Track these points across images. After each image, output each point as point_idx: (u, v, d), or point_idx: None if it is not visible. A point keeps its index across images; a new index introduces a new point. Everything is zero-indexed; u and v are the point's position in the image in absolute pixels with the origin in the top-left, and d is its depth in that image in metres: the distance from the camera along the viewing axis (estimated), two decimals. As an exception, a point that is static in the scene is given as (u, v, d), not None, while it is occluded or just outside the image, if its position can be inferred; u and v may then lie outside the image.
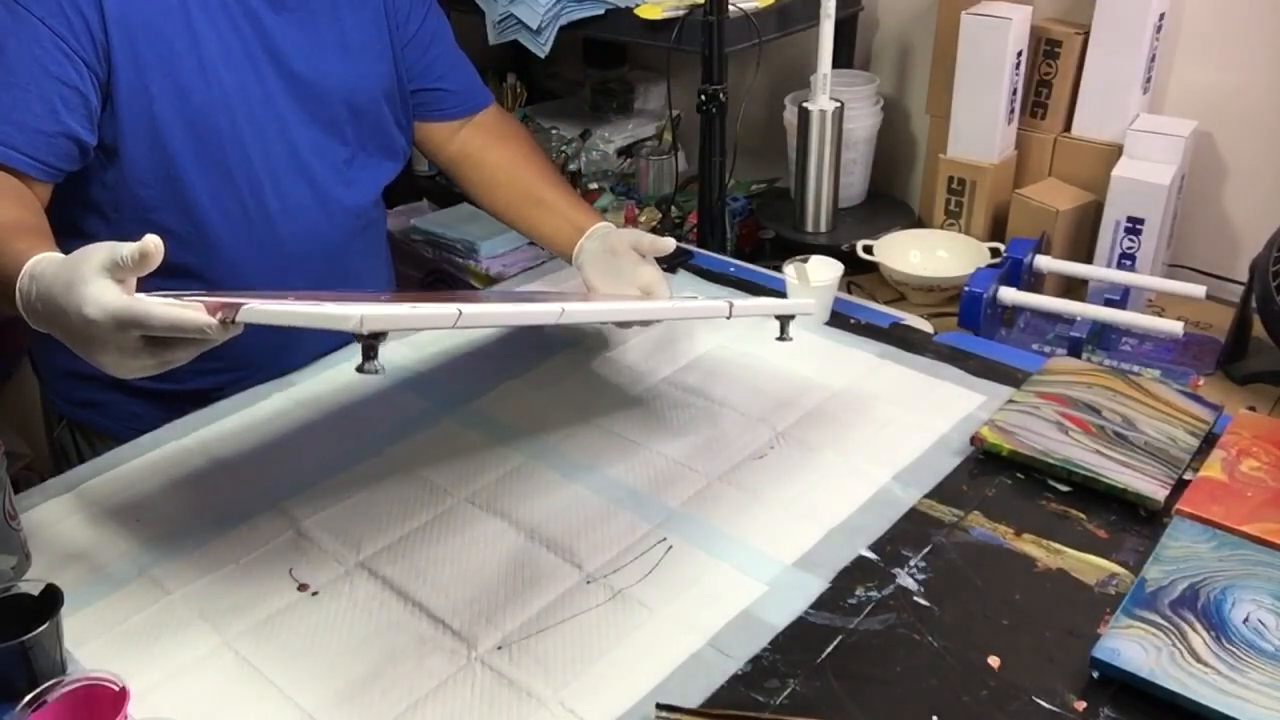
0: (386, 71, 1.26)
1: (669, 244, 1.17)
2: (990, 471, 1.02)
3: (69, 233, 1.06)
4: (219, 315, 0.79)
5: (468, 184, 1.36)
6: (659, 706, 0.77)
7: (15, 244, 0.91)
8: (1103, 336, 1.29)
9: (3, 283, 0.90)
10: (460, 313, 0.78)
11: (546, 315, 0.90)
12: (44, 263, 0.87)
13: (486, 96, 1.37)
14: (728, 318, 1.02)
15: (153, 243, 0.80)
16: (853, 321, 1.29)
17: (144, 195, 1.12)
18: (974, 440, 1.04)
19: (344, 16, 1.20)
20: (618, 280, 1.18)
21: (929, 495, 0.99)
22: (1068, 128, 1.50)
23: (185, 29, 1.09)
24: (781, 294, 1.27)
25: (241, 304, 0.78)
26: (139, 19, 1.06)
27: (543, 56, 1.51)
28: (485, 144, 1.34)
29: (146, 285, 1.17)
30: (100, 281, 0.80)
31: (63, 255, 0.87)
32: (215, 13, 1.11)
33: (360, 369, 0.72)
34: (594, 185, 1.99)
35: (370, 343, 0.71)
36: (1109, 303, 1.26)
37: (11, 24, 1.01)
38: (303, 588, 0.91)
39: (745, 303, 1.03)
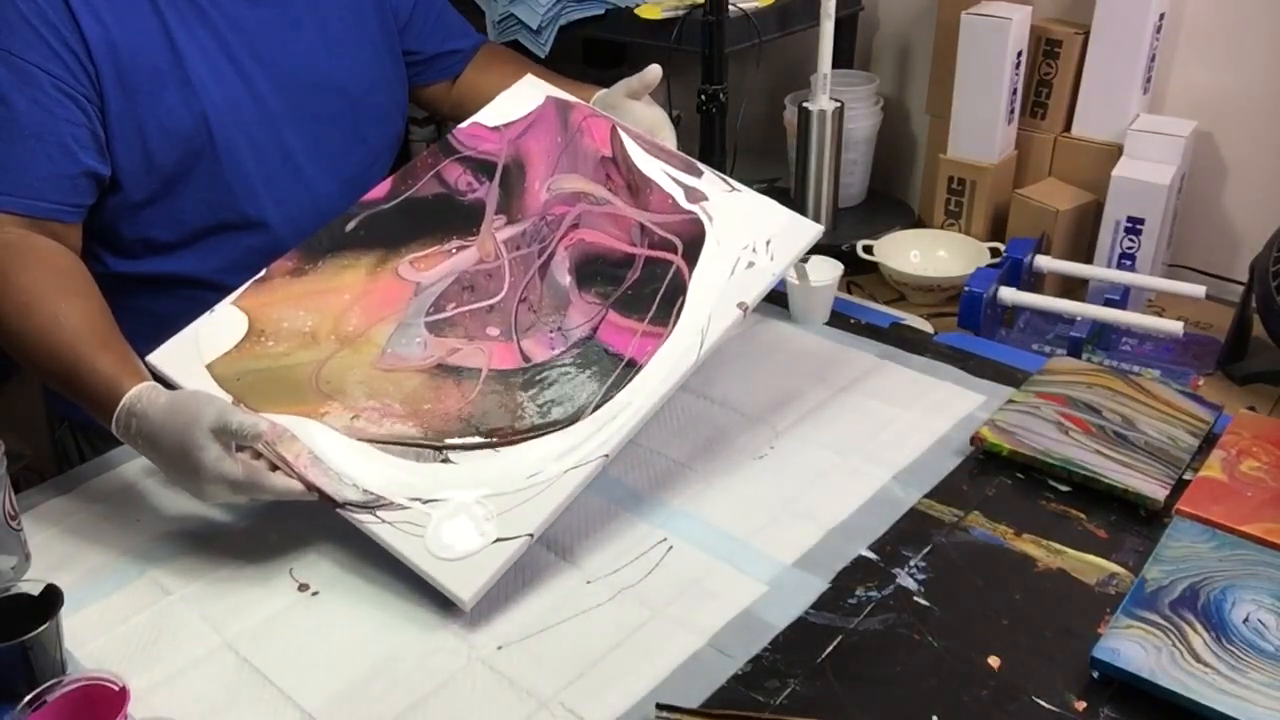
0: (374, 58, 1.26)
1: (655, 72, 1.20)
2: (990, 471, 1.02)
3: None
4: (315, 495, 0.89)
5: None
6: (659, 706, 0.77)
7: (95, 360, 0.94)
8: (1103, 336, 1.29)
9: (87, 397, 0.95)
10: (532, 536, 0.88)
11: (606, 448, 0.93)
12: (144, 402, 0.91)
13: (479, 36, 1.42)
14: (744, 316, 1.02)
15: (265, 425, 0.88)
16: (853, 321, 1.29)
17: (142, 214, 1.13)
18: (974, 440, 1.04)
19: (322, 6, 1.20)
20: None
21: (929, 495, 0.99)
22: (1068, 128, 1.50)
23: (167, 47, 1.08)
24: (780, 291, 1.26)
25: (338, 504, 0.89)
26: (122, 43, 1.06)
27: (543, 56, 1.51)
28: (476, 75, 1.38)
29: (152, 293, 1.17)
30: (214, 449, 0.87)
31: (162, 391, 0.92)
32: (194, 25, 1.10)
33: None
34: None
35: None
36: (1109, 303, 1.26)
37: (11, 77, 1.02)
38: (303, 588, 0.91)
39: (754, 287, 1.03)
